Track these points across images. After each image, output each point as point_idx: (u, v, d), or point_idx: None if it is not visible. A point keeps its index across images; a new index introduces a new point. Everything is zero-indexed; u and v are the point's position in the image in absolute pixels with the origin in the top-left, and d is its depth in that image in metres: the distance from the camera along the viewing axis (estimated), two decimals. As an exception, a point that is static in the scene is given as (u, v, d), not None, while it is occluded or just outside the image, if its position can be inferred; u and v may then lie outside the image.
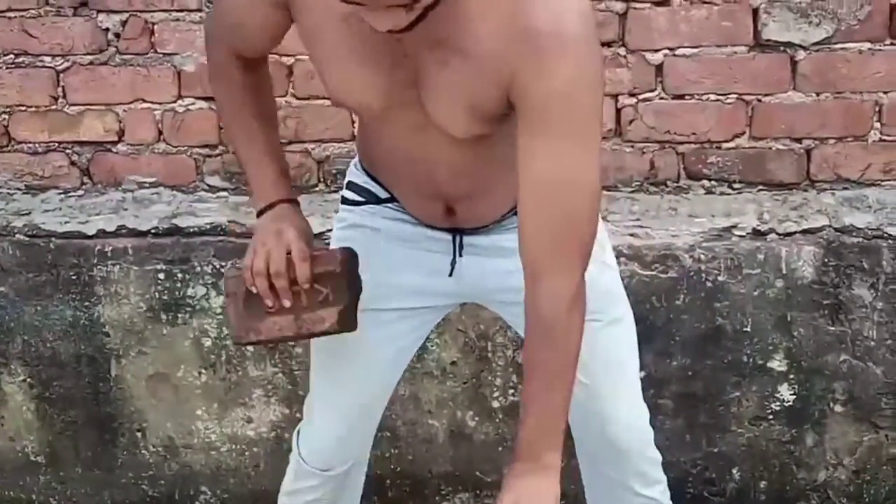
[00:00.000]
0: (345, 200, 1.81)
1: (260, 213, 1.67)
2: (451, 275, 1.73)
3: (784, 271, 2.30)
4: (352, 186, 1.80)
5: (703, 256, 2.31)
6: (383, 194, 1.75)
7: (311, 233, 1.67)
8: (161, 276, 2.46)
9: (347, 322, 1.64)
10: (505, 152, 1.52)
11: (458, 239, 1.72)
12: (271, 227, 1.63)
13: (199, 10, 2.50)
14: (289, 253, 1.59)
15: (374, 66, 1.46)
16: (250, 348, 2.46)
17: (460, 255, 1.72)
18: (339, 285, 1.63)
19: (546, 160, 1.40)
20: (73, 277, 2.47)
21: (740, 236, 2.32)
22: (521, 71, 1.37)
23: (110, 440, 2.57)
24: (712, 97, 2.42)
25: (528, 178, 1.42)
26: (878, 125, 2.40)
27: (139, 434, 2.56)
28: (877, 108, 2.39)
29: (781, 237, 2.31)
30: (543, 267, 1.45)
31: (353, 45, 1.45)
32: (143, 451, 2.57)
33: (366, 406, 1.81)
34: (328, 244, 2.29)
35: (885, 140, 2.41)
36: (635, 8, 2.38)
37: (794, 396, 2.37)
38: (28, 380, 2.55)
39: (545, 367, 1.48)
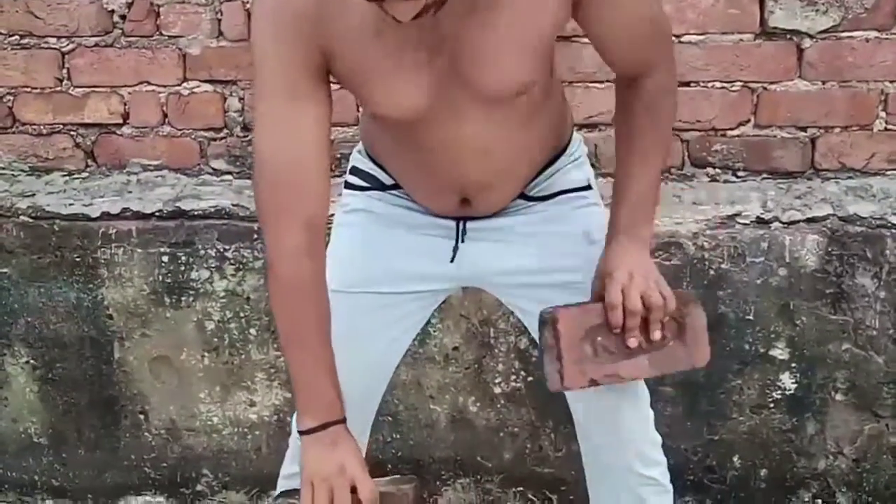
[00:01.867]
0: (348, 185, 1.81)
1: (307, 432, 1.57)
2: (452, 260, 1.74)
3: (787, 260, 2.30)
4: (356, 172, 1.80)
5: (706, 244, 2.31)
6: (388, 181, 1.75)
7: (363, 457, 1.59)
8: (165, 258, 2.46)
9: None
10: (530, 128, 1.58)
11: (461, 225, 1.73)
12: (329, 458, 1.54)
13: (205, -7, 2.51)
14: (353, 490, 1.53)
15: (415, 67, 1.46)
16: (253, 332, 2.47)
17: (462, 241, 1.73)
18: None
19: (627, 10, 1.51)
20: (77, 259, 2.48)
21: (744, 224, 2.31)
22: None
23: (113, 422, 2.58)
24: (717, 84, 2.41)
25: (610, 30, 1.53)
26: (883, 114, 2.40)
27: (142, 416, 2.57)
28: (882, 97, 2.39)
29: (785, 226, 2.30)
30: (641, 72, 1.58)
31: (392, 56, 1.45)
32: (145, 434, 2.58)
33: (364, 391, 1.80)
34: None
35: (890, 129, 2.41)
36: (641, -6, 2.38)
37: (796, 385, 2.37)
38: (31, 361, 2.56)
39: (646, 140, 1.60)
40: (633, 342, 1.58)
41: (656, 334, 1.59)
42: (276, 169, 1.50)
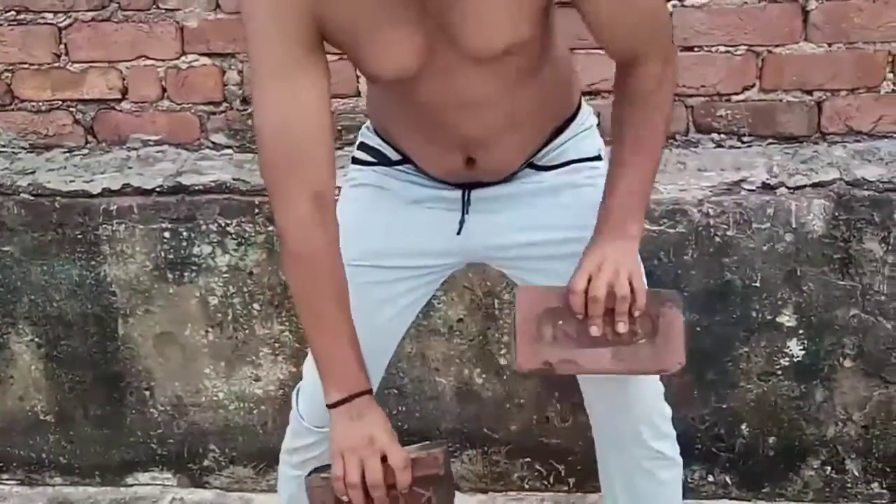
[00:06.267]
0: (356, 160, 1.80)
1: (333, 405, 1.56)
2: (459, 233, 1.72)
3: (794, 225, 2.28)
4: (363, 147, 1.79)
5: (711, 211, 2.29)
6: (395, 156, 1.75)
7: (391, 427, 1.57)
8: (166, 234, 2.45)
9: None
10: (527, 87, 1.56)
11: (467, 195, 1.71)
12: (358, 429, 1.53)
13: (201, -36, 2.48)
14: (383, 459, 1.52)
15: (404, 24, 1.45)
16: (256, 306, 2.46)
17: (468, 212, 1.71)
18: (441, 487, 1.57)
19: None
20: (79, 236, 2.47)
21: (750, 190, 2.29)
22: None
23: (118, 399, 2.58)
24: (722, 49, 2.38)
25: (602, 13, 1.49)
26: (890, 76, 2.36)
27: (147, 393, 2.57)
28: (889, 59, 2.35)
29: (791, 191, 2.28)
30: (636, 58, 1.54)
31: (382, 14, 1.44)
32: (151, 410, 2.58)
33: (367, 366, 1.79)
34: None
35: (898, 91, 2.38)
36: (643, -42, 2.34)
37: (804, 352, 2.35)
38: (35, 339, 2.55)
39: (637, 133, 1.58)
40: (593, 330, 1.54)
41: (620, 327, 1.54)
42: (276, 142, 1.49)
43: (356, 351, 1.57)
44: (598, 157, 1.74)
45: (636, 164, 1.57)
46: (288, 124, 1.47)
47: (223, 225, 2.42)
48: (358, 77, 2.45)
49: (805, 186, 2.27)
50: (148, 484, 2.64)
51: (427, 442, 1.63)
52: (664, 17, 1.58)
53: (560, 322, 1.54)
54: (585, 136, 1.74)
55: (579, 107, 1.75)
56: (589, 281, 1.54)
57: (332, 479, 1.54)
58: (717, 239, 2.30)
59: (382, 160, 1.76)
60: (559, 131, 1.71)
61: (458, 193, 1.71)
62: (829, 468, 2.43)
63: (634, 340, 1.55)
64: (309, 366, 1.84)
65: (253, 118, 1.57)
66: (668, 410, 1.82)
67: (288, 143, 1.48)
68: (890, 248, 2.26)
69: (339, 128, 2.52)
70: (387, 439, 1.54)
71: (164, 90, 2.57)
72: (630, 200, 1.58)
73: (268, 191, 1.55)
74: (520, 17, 1.45)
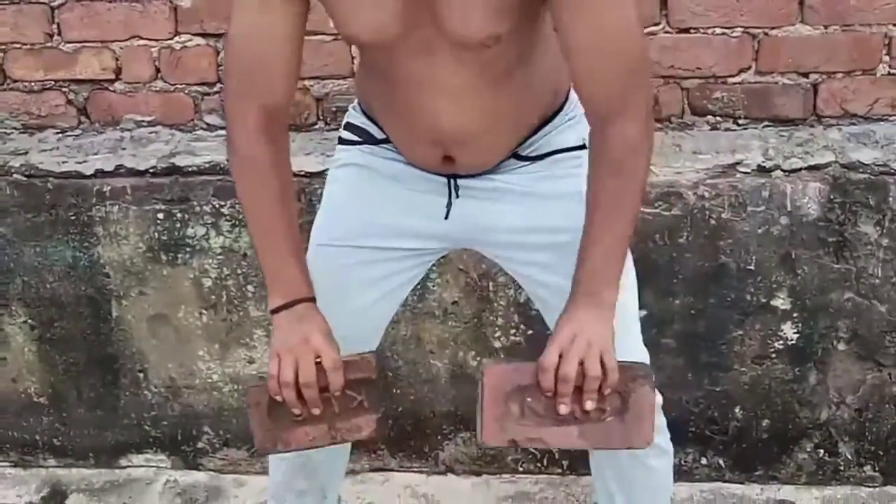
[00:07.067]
0: (341, 140, 1.79)
1: (276, 310, 1.60)
2: (447, 217, 1.71)
3: (789, 208, 2.27)
4: (349, 127, 1.78)
5: (706, 193, 2.28)
6: (380, 135, 1.73)
7: (332, 333, 1.60)
8: (160, 215, 2.44)
9: (383, 427, 1.61)
10: (509, 85, 1.53)
11: (452, 182, 1.70)
12: (296, 331, 1.57)
13: (194, -56, 2.46)
14: (318, 360, 1.55)
15: None
16: (251, 288, 2.45)
17: (457, 197, 1.70)
18: (373, 391, 1.61)
19: (596, 16, 1.42)
20: (72, 218, 2.46)
21: (745, 173, 2.28)
22: None
23: (112, 381, 2.58)
24: (718, 31, 2.37)
25: (581, 37, 1.44)
26: (886, 58, 2.36)
27: (141, 375, 2.56)
28: (886, 41, 2.35)
29: (787, 174, 2.27)
30: (610, 113, 1.48)
31: None
32: (145, 392, 2.58)
33: (349, 349, 1.78)
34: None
35: (893, 74, 2.37)
36: (640, -61, 2.33)
37: (798, 335, 2.35)
38: (29, 321, 2.54)
39: (610, 198, 1.52)
40: (562, 409, 1.50)
41: (588, 405, 1.49)
42: (243, 56, 1.54)
43: (300, 259, 1.61)
44: (583, 147, 1.70)
45: (610, 232, 1.52)
46: (255, 41, 1.52)
47: (217, 206, 2.42)
48: (353, 58, 2.44)
49: (800, 169, 2.27)
50: (142, 466, 2.64)
51: (364, 352, 1.65)
52: (640, 60, 1.49)
53: (528, 399, 1.51)
54: (571, 125, 1.71)
55: (566, 99, 1.72)
56: (560, 356, 1.49)
57: (267, 378, 1.57)
58: (712, 222, 2.30)
59: (368, 139, 1.74)
60: (545, 122, 1.69)
61: (443, 179, 1.70)
62: (822, 451, 2.44)
63: (603, 418, 1.51)
64: None
65: (226, 34, 1.59)
66: (658, 399, 1.79)
67: (251, 59, 1.53)
68: (884, 231, 2.26)
69: (334, 108, 2.51)
70: (322, 340, 1.56)
71: (158, 70, 2.55)
72: (604, 268, 1.53)
73: (225, 98, 1.61)
74: (497, 10, 1.42)
